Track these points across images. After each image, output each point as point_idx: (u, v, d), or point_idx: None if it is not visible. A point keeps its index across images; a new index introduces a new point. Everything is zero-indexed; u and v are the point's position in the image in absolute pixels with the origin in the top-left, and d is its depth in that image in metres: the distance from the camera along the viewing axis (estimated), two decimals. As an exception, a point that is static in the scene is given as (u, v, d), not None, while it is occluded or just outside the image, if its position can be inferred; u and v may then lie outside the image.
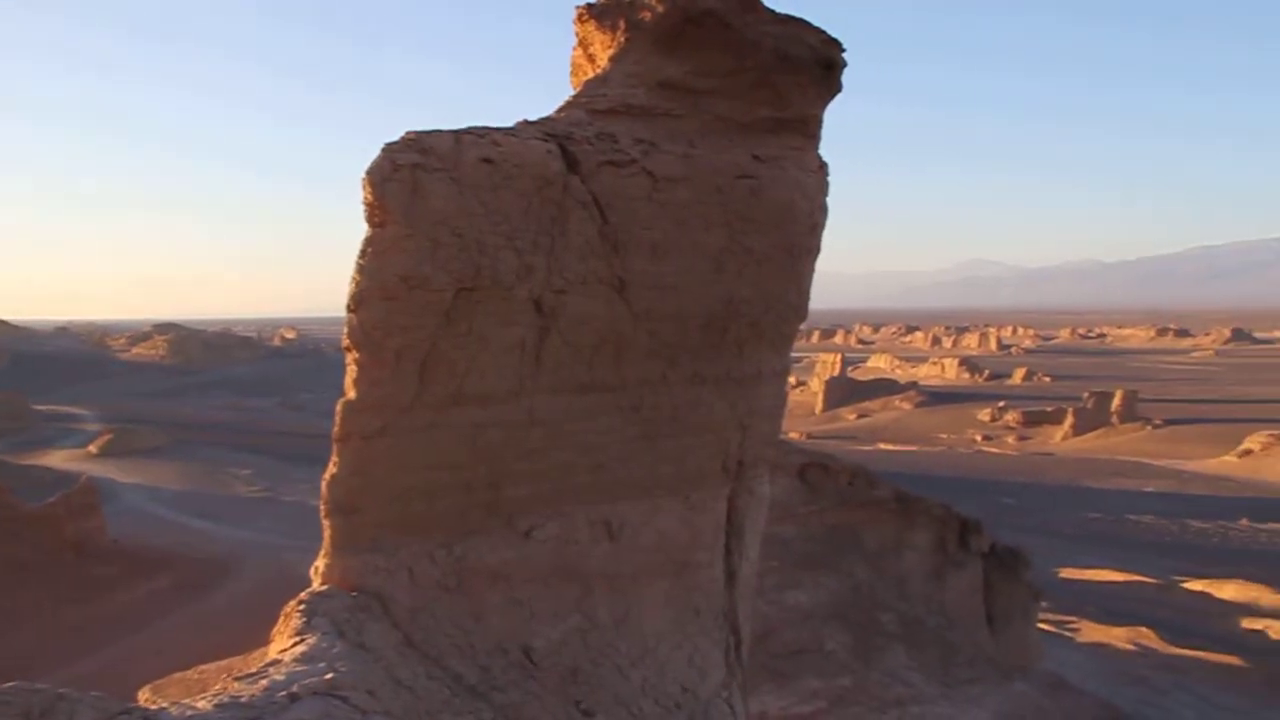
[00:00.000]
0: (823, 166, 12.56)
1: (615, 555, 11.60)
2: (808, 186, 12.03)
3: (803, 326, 13.51)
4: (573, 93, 11.77)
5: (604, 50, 11.77)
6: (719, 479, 12.70)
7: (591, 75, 11.85)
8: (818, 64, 11.66)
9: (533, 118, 10.75)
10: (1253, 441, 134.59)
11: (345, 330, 9.61)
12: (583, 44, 12.33)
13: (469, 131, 9.80)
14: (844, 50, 11.92)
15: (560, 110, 11.18)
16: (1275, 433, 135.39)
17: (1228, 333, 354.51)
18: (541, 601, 11.00)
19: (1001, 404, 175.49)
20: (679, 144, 10.98)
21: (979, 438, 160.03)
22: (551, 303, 10.29)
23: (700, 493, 12.44)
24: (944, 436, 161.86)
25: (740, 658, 13.82)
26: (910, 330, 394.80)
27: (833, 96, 12.10)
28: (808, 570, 30.67)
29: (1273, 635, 59.14)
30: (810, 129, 12.17)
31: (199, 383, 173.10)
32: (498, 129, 10.04)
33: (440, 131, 9.69)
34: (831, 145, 12.80)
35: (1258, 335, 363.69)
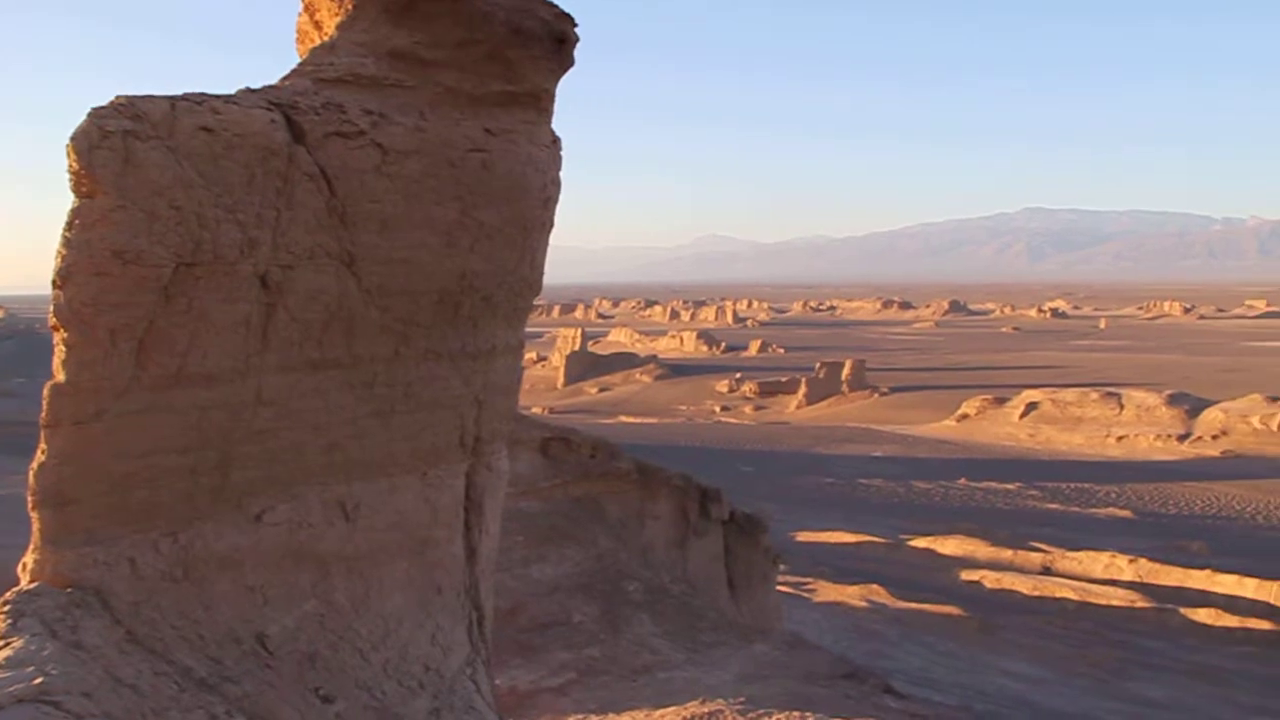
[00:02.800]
0: (556, 141, 12.62)
1: (352, 536, 11.35)
2: (540, 161, 12.05)
3: (543, 302, 13.60)
4: (298, 61, 11.36)
5: (331, 17, 11.38)
6: (456, 455, 12.61)
7: (318, 43, 11.44)
8: (550, 38, 11.65)
9: (255, 86, 10.32)
10: (969, 406, 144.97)
11: (52, 308, 8.99)
12: (309, 10, 11.91)
13: (185, 98, 9.28)
14: (576, 25, 11.96)
15: (285, 79, 10.75)
16: (988, 397, 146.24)
17: (946, 305, 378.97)
18: (275, 587, 10.63)
19: (738, 375, 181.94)
20: (409, 116, 10.76)
21: (717, 408, 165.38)
22: (278, 278, 9.91)
23: (438, 470, 12.33)
24: (684, 408, 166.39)
25: (484, 634, 13.81)
26: (649, 304, 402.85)
27: (565, 71, 12.13)
28: (553, 543, 30.94)
29: (988, 585, 63.98)
30: (543, 103, 12.16)
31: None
32: (217, 96, 9.55)
33: (154, 97, 9.15)
34: (566, 118, 12.87)
35: (972, 307, 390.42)
